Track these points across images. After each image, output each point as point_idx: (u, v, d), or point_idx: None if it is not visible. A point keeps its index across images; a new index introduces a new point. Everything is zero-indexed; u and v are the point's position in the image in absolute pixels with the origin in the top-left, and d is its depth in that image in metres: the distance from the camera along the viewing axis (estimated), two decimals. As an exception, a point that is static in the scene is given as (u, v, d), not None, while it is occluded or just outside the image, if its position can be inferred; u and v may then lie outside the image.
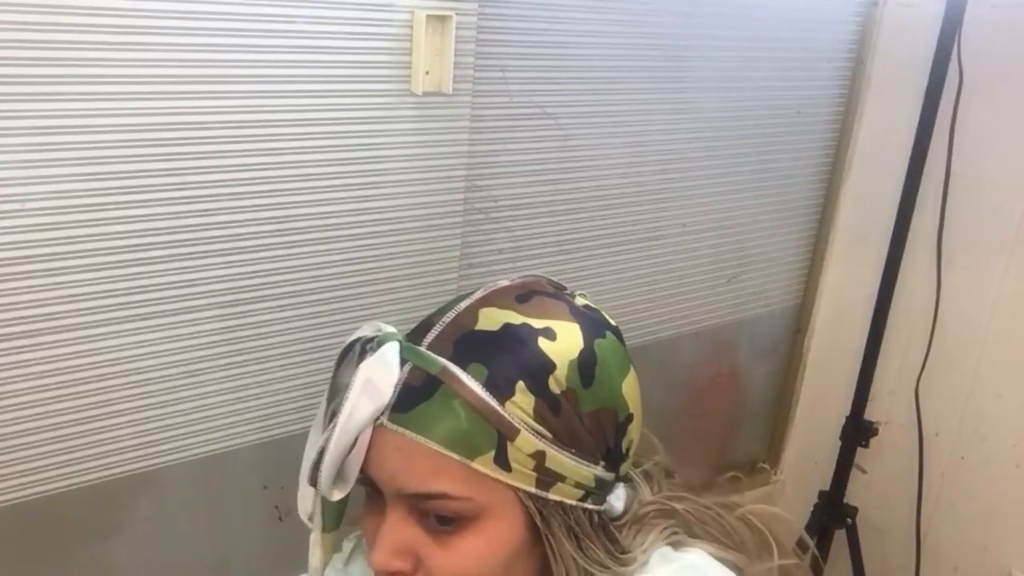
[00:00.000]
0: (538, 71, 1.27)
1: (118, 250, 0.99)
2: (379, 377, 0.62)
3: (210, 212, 1.04)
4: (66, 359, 1.00)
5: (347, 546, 0.81)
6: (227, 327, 1.10)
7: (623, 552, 0.68)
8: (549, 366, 0.64)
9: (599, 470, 0.67)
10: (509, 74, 1.24)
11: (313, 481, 0.64)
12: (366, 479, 0.66)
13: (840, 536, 1.80)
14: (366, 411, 0.62)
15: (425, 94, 1.13)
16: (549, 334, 0.65)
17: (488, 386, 0.62)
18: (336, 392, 0.66)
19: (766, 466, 2.01)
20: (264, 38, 1.01)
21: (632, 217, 1.48)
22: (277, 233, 1.10)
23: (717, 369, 1.79)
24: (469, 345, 0.64)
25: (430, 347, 0.64)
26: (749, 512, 0.73)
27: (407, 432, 0.62)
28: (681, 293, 1.62)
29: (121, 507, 1.10)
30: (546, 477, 0.64)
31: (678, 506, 0.71)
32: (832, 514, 1.80)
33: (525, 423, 0.62)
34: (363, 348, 0.65)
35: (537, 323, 0.65)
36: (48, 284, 0.96)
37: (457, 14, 1.11)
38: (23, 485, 1.02)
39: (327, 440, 0.62)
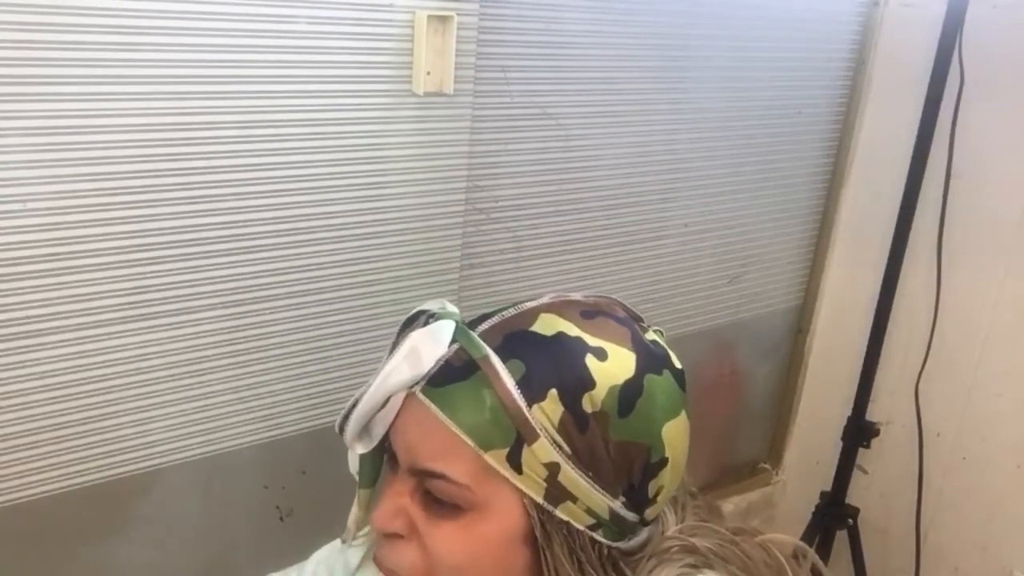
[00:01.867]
0: (539, 71, 1.27)
1: (121, 250, 0.99)
2: (425, 348, 0.63)
3: (212, 212, 1.04)
4: (69, 359, 1.00)
5: (355, 554, 0.81)
6: (229, 327, 1.10)
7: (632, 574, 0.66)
8: (588, 383, 0.62)
9: (617, 504, 0.64)
10: (510, 74, 1.24)
11: (341, 429, 0.66)
12: (388, 446, 0.67)
13: (841, 536, 1.80)
14: (403, 376, 0.63)
15: (426, 94, 1.13)
16: (600, 354, 0.64)
17: (521, 384, 0.62)
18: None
19: (767, 466, 2.01)
20: (266, 39, 1.01)
21: (634, 217, 1.48)
22: (279, 233, 1.10)
23: (719, 369, 1.79)
24: (517, 342, 0.64)
25: (482, 334, 0.65)
26: (769, 541, 0.70)
27: (432, 406, 0.62)
28: (683, 293, 1.62)
29: (122, 507, 1.10)
30: (556, 491, 0.62)
31: (702, 543, 0.68)
32: (833, 515, 1.80)
33: (546, 431, 0.61)
34: (426, 320, 0.66)
35: (592, 341, 0.64)
36: (51, 284, 0.96)
37: (458, 14, 1.11)
38: (25, 485, 1.02)
39: (361, 394, 0.64)
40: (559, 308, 0.67)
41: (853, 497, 1.81)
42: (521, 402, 0.61)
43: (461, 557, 0.64)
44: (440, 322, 0.64)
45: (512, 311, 0.67)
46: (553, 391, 0.62)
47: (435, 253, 1.24)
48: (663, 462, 0.66)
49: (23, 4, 0.86)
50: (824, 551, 1.78)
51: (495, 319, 0.66)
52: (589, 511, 0.64)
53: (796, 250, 1.82)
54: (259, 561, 1.24)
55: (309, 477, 1.25)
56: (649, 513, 0.68)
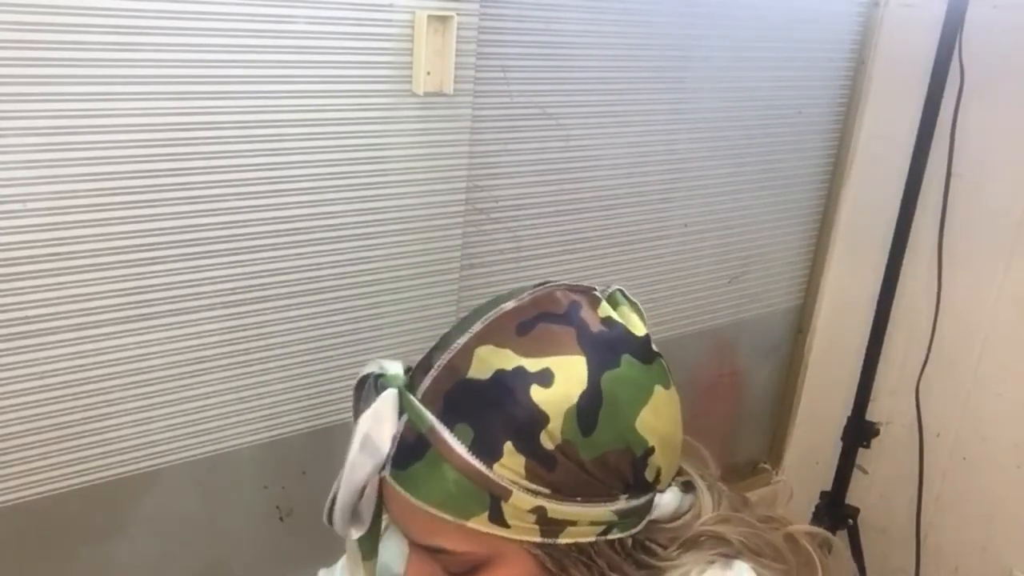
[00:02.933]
0: (539, 71, 1.27)
1: (121, 250, 0.99)
2: (376, 433, 0.62)
3: (212, 212, 1.04)
4: (69, 359, 1.00)
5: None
6: (229, 327, 1.10)
7: (659, 563, 0.66)
8: (541, 420, 0.60)
9: (620, 503, 0.63)
10: (510, 74, 1.24)
11: (329, 521, 0.66)
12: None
13: (841, 536, 1.80)
14: (366, 468, 0.62)
15: (426, 94, 1.13)
16: (545, 379, 0.60)
17: (474, 449, 0.60)
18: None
19: (767, 466, 2.01)
20: (265, 39, 1.01)
21: (634, 217, 1.48)
22: (279, 233, 1.10)
23: (719, 369, 1.79)
24: (457, 400, 0.62)
25: (423, 397, 0.63)
26: (796, 532, 0.70)
27: (401, 491, 0.62)
28: (683, 293, 1.62)
29: (122, 507, 1.10)
30: (551, 527, 0.61)
31: (733, 534, 0.67)
32: (833, 515, 1.80)
33: (516, 484, 0.60)
34: (374, 384, 0.65)
35: (533, 365, 0.61)
36: (51, 284, 0.96)
37: (458, 14, 1.11)
38: (25, 485, 1.02)
39: (336, 488, 0.63)
40: (494, 333, 0.63)
41: (853, 497, 1.81)
42: (481, 467, 0.60)
43: None
44: (383, 395, 0.62)
45: (447, 355, 0.63)
46: (508, 444, 0.60)
47: (435, 253, 1.24)
48: (649, 451, 0.64)
49: (23, 4, 0.86)
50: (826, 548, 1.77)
51: (433, 372, 0.63)
52: (592, 524, 0.63)
53: (796, 250, 1.82)
54: (259, 561, 1.25)
55: (309, 477, 1.25)
56: (661, 485, 0.66)
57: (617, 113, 1.38)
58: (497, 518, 0.60)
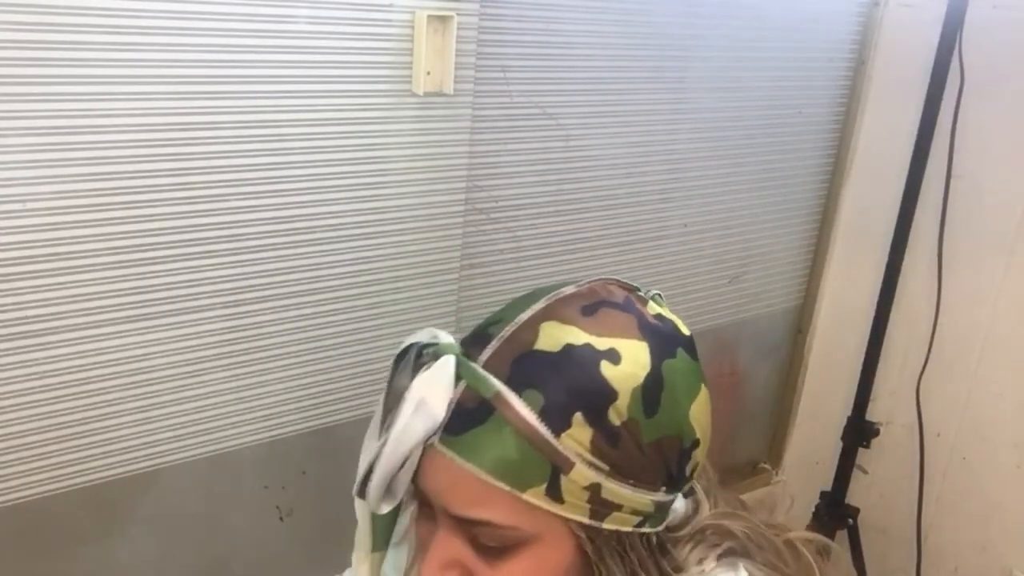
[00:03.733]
0: (539, 71, 1.27)
1: (122, 250, 0.99)
2: (432, 397, 0.59)
3: (212, 212, 1.04)
4: (69, 359, 1.00)
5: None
6: (230, 327, 1.10)
7: (677, 569, 0.66)
8: (611, 395, 0.60)
9: (659, 495, 0.64)
10: (510, 74, 1.24)
11: (361, 494, 0.63)
12: (416, 491, 0.64)
13: (841, 536, 1.80)
14: (418, 432, 0.59)
15: (426, 94, 1.13)
16: (613, 357, 0.61)
17: (543, 416, 0.59)
18: (391, 399, 0.63)
19: (767, 466, 2.01)
20: (265, 39, 1.01)
21: (634, 217, 1.48)
22: (279, 233, 1.10)
23: (719, 369, 1.79)
24: (527, 367, 0.60)
25: (486, 365, 0.61)
26: (796, 538, 0.70)
27: (457, 458, 0.59)
28: (683, 293, 1.62)
29: (122, 507, 1.10)
30: (601, 508, 0.61)
31: (736, 526, 0.68)
32: (833, 515, 1.80)
33: (581, 456, 0.59)
34: (419, 354, 0.62)
35: (601, 343, 0.61)
36: (51, 284, 0.96)
37: (458, 14, 1.11)
38: (25, 485, 1.02)
39: (377, 456, 0.61)
40: (558, 311, 0.63)
41: (853, 497, 1.81)
42: (548, 435, 0.59)
43: None
44: (441, 360, 0.61)
45: (510, 328, 0.62)
46: (578, 415, 0.59)
47: (435, 253, 1.24)
48: (695, 444, 0.65)
49: (23, 4, 0.86)
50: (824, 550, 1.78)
51: (495, 343, 0.62)
52: (634, 512, 0.63)
53: (796, 250, 1.81)
54: (259, 561, 1.25)
55: (309, 477, 1.25)
56: (684, 487, 0.67)
57: (617, 113, 1.38)
58: (554, 492, 0.59)
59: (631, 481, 0.61)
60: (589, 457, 0.60)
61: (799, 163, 1.72)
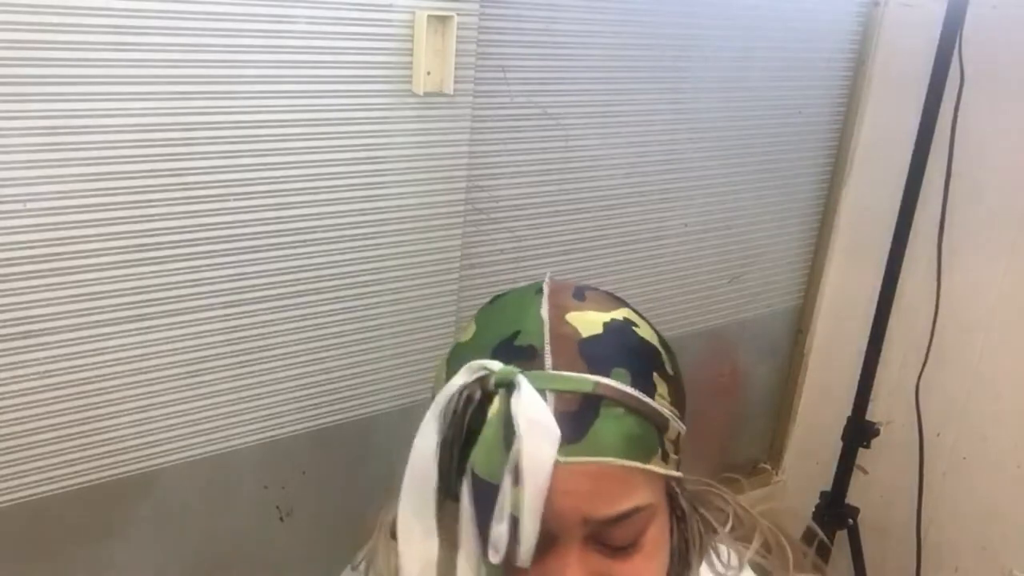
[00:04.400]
0: (539, 71, 1.27)
1: (121, 250, 0.99)
2: (538, 414, 0.56)
3: (212, 212, 1.04)
4: (69, 359, 1.00)
5: None
6: (229, 327, 1.10)
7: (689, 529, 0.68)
8: (656, 351, 0.64)
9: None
10: (510, 74, 1.24)
11: (513, 558, 0.56)
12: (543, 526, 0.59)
13: (841, 536, 1.80)
14: (547, 452, 0.55)
15: (426, 94, 1.13)
16: (632, 323, 0.64)
17: (637, 386, 0.60)
18: (453, 457, 0.58)
19: (767, 466, 2.01)
20: (265, 39, 1.01)
21: (634, 217, 1.48)
22: (279, 233, 1.10)
23: (719, 369, 1.79)
24: (594, 354, 0.60)
25: (558, 368, 0.59)
26: (761, 514, 0.72)
27: (589, 459, 0.57)
28: (683, 293, 1.62)
29: (121, 507, 1.10)
30: (679, 457, 0.65)
31: (720, 493, 0.71)
32: (833, 515, 1.80)
33: (669, 411, 0.62)
34: (471, 397, 0.58)
35: (616, 315, 0.64)
36: (51, 284, 0.96)
37: (458, 14, 1.11)
38: (25, 485, 1.02)
39: (515, 502, 0.55)
40: (563, 304, 0.63)
41: (853, 497, 1.81)
42: (649, 400, 0.60)
43: (661, 569, 0.64)
44: (518, 383, 0.57)
45: (545, 333, 0.60)
46: (655, 374, 0.62)
47: (435, 253, 1.24)
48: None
49: (23, 4, 0.86)
50: (825, 551, 1.78)
51: (547, 349, 0.59)
52: (679, 463, 0.66)
53: (796, 250, 1.82)
54: (259, 561, 1.25)
55: (309, 477, 1.25)
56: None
57: (617, 113, 1.38)
58: (664, 454, 0.61)
59: (684, 424, 0.65)
60: (672, 408, 0.63)
61: (799, 163, 1.72)
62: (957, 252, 1.67)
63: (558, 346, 0.60)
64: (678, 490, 0.65)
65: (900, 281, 1.68)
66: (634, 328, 0.64)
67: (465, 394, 0.57)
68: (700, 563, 0.68)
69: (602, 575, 0.61)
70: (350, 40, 1.06)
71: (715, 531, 0.69)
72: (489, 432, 0.56)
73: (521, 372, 0.57)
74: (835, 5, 1.65)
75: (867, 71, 1.71)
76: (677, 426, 0.63)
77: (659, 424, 0.61)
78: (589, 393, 0.58)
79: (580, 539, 0.59)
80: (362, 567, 0.74)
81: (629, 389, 0.59)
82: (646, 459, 0.60)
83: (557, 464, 0.56)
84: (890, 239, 1.67)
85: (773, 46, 1.56)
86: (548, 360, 0.59)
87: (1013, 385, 1.65)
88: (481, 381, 0.58)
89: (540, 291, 0.65)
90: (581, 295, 0.65)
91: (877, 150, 1.74)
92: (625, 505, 0.59)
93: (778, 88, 1.60)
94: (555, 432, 0.56)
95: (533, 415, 0.55)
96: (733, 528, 0.70)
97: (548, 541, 0.58)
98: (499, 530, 0.56)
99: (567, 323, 0.61)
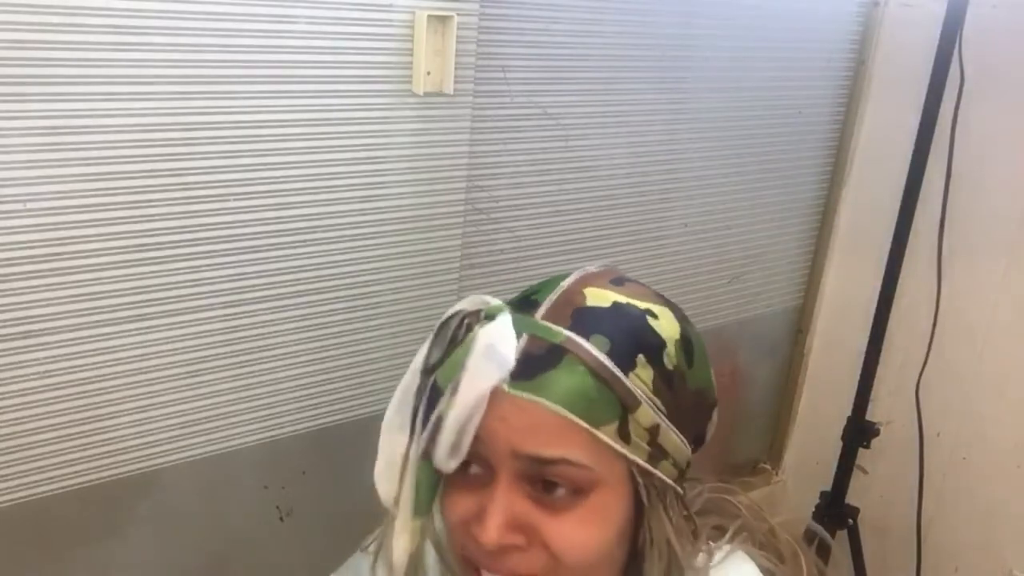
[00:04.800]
0: (539, 71, 1.27)
1: (121, 250, 0.99)
2: (501, 343, 0.61)
3: (212, 212, 1.04)
4: (68, 359, 1.00)
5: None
6: (229, 327, 1.10)
7: (695, 535, 0.69)
8: (661, 342, 0.65)
9: (690, 452, 0.68)
10: (510, 74, 1.24)
11: (428, 452, 0.62)
12: (474, 444, 0.63)
13: (841, 536, 1.80)
14: (492, 376, 0.61)
15: (426, 94, 1.13)
16: (653, 314, 0.66)
17: (612, 356, 0.62)
18: (432, 367, 0.64)
19: (767, 466, 2.01)
20: (265, 39, 1.01)
21: (634, 217, 1.48)
22: (279, 233, 1.10)
23: (718, 369, 1.77)
24: (586, 318, 0.64)
25: (546, 319, 0.64)
26: (781, 524, 0.73)
27: (534, 396, 0.61)
28: (683, 293, 1.62)
29: (121, 507, 1.10)
30: (657, 452, 0.64)
31: (737, 500, 0.72)
32: (833, 515, 1.79)
33: (645, 396, 0.63)
34: (466, 321, 0.64)
35: (640, 304, 0.66)
36: (51, 284, 0.96)
37: (458, 14, 1.11)
38: (25, 485, 1.02)
39: (446, 408, 0.61)
40: (592, 281, 0.67)
41: (853, 497, 1.81)
42: (619, 373, 0.62)
43: (589, 544, 0.64)
44: (502, 316, 0.63)
45: (555, 292, 0.66)
46: (640, 356, 0.63)
47: (435, 253, 1.24)
48: (714, 403, 0.70)
49: (23, 4, 0.86)
50: (825, 551, 1.77)
51: (547, 304, 0.65)
52: (675, 464, 0.66)
53: (796, 250, 1.82)
54: (259, 561, 1.25)
55: (309, 477, 1.25)
56: (694, 456, 0.71)
57: (617, 113, 1.38)
58: (623, 431, 0.62)
59: (678, 427, 0.65)
60: (652, 397, 0.63)
61: (799, 163, 1.72)
62: (957, 252, 1.67)
63: (557, 304, 0.65)
64: (641, 480, 0.64)
65: (900, 281, 1.68)
66: (648, 317, 0.65)
67: (457, 318, 0.64)
68: (691, 566, 0.67)
69: (526, 522, 0.63)
70: (350, 40, 1.06)
71: (708, 538, 0.69)
72: (459, 350, 0.62)
73: (509, 311, 0.63)
74: (835, 5, 1.65)
75: (867, 71, 1.71)
76: (654, 416, 0.63)
77: (625, 401, 0.62)
78: (557, 344, 0.62)
79: (512, 476, 0.63)
80: (372, 548, 0.77)
81: (599, 354, 0.62)
82: (593, 423, 0.61)
83: (502, 392, 0.61)
84: (890, 239, 1.67)
85: (773, 46, 1.56)
86: (540, 311, 0.64)
87: (1013, 385, 1.65)
88: (475, 312, 0.64)
89: (582, 270, 0.69)
90: (620, 282, 0.68)
91: (877, 150, 1.74)
92: (553, 452, 0.61)
93: (778, 88, 1.60)
94: (508, 362, 0.61)
95: (493, 342, 0.61)
96: (746, 537, 0.70)
97: (487, 474, 0.63)
98: (427, 431, 0.62)
99: (581, 293, 0.66)
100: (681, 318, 0.68)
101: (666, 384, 0.64)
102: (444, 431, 0.61)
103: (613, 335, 0.63)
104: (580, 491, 0.62)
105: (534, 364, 0.61)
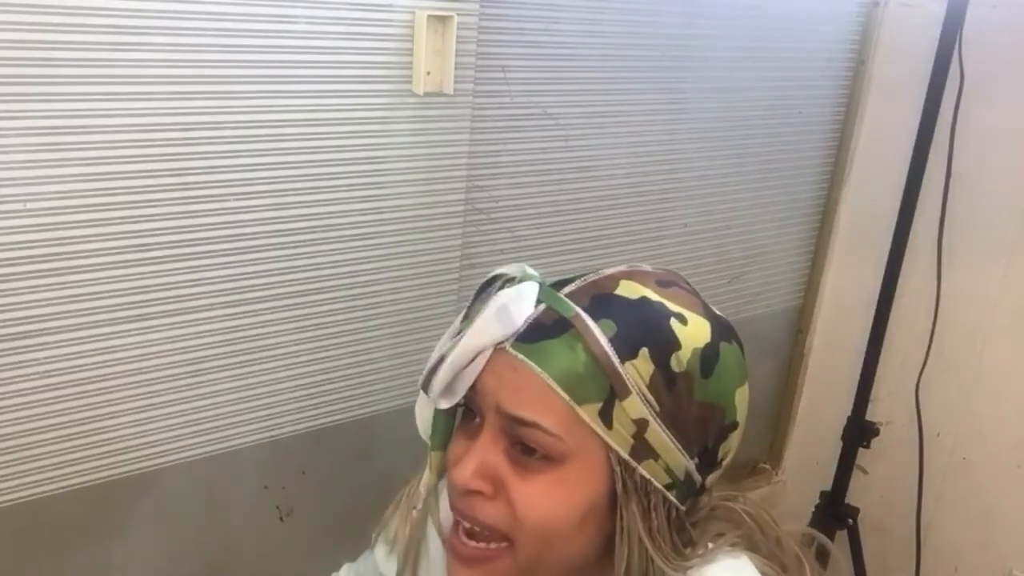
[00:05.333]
0: (539, 71, 1.27)
1: (121, 250, 0.99)
2: (515, 306, 0.65)
3: (212, 212, 1.04)
4: (68, 359, 1.00)
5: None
6: (229, 327, 1.10)
7: (690, 547, 0.69)
8: (675, 344, 0.65)
9: (691, 465, 0.67)
10: (510, 74, 1.24)
11: (425, 386, 0.68)
12: (467, 399, 0.68)
13: (841, 536, 1.80)
14: (495, 332, 0.65)
15: (426, 94, 1.13)
16: (682, 319, 0.67)
17: (614, 341, 0.64)
18: (470, 317, 0.69)
19: (767, 466, 2.01)
20: (265, 39, 1.01)
21: (634, 217, 1.48)
22: (279, 233, 1.10)
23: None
24: (605, 303, 0.66)
25: (568, 295, 0.67)
26: (787, 534, 0.73)
27: (526, 360, 0.64)
28: (682, 293, 1.62)
29: (121, 507, 1.10)
30: (642, 448, 0.65)
31: (740, 508, 0.72)
32: (833, 515, 1.79)
33: (638, 387, 0.64)
34: (503, 283, 0.68)
35: (673, 306, 0.67)
36: (51, 284, 0.96)
37: (458, 14, 1.11)
38: (24, 485, 1.02)
39: (449, 350, 0.65)
40: (636, 276, 0.70)
41: (853, 497, 1.81)
42: (615, 358, 0.63)
43: (548, 512, 0.65)
44: (526, 283, 0.67)
45: (592, 276, 0.69)
46: (644, 349, 0.64)
47: (435, 253, 1.24)
48: (734, 425, 0.71)
49: (23, 4, 0.86)
50: (824, 551, 1.77)
51: (576, 283, 0.68)
52: (667, 470, 0.66)
53: (796, 250, 1.82)
54: (259, 561, 1.25)
55: (309, 477, 1.25)
56: (710, 480, 0.71)
57: (617, 113, 1.38)
58: (606, 414, 0.63)
59: (674, 431, 0.65)
60: (645, 391, 0.64)
61: (799, 163, 1.72)
62: (957, 252, 1.67)
63: (586, 287, 0.68)
64: (619, 469, 0.65)
65: (900, 281, 1.68)
66: (674, 319, 0.66)
67: (498, 280, 0.69)
68: (676, 569, 0.67)
69: (497, 475, 0.66)
70: (350, 40, 1.06)
71: (702, 544, 0.69)
72: (482, 306, 0.67)
73: (536, 281, 0.67)
74: (835, 5, 1.65)
75: (867, 71, 1.71)
76: (644, 410, 0.64)
77: (615, 386, 0.63)
78: (565, 318, 0.64)
79: (496, 430, 0.67)
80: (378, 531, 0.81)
81: (601, 337, 0.64)
82: (575, 398, 0.63)
83: (501, 348, 0.65)
84: (890, 239, 1.67)
85: (773, 46, 1.56)
86: (569, 288, 0.67)
87: (1013, 385, 1.65)
88: (509, 276, 0.68)
89: (636, 265, 0.72)
90: (667, 285, 0.70)
91: (877, 150, 1.74)
92: (529, 414, 0.64)
93: (778, 88, 1.60)
94: (514, 324, 0.65)
95: (507, 303, 0.65)
96: (753, 544, 0.70)
97: (480, 424, 0.68)
98: (428, 367, 0.68)
99: (616, 281, 0.69)
100: (720, 334, 0.69)
101: (667, 384, 0.65)
102: (440, 372, 0.66)
103: (622, 322, 0.65)
104: (552, 459, 0.64)
105: (539, 331, 0.65)
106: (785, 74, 1.60)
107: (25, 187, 0.91)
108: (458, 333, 0.68)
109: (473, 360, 0.65)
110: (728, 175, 1.59)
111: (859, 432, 1.76)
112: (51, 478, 1.03)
